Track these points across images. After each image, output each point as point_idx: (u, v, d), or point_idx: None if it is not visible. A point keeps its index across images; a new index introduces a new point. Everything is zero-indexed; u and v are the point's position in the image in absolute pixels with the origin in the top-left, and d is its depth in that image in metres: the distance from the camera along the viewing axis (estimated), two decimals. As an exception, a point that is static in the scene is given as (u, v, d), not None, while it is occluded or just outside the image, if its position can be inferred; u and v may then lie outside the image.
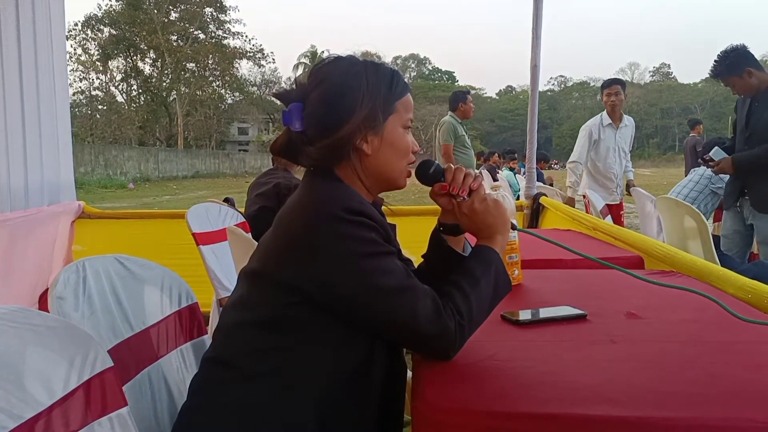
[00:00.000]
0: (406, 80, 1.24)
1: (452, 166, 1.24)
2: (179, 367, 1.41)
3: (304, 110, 1.17)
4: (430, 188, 1.27)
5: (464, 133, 6.04)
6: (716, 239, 3.64)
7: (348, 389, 1.10)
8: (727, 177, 3.89)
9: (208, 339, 1.50)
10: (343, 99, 1.15)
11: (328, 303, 1.08)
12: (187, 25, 46.76)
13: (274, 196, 3.68)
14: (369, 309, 1.07)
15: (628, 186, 5.49)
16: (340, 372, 1.10)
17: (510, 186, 8.65)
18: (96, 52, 44.89)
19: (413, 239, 1.91)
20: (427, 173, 1.26)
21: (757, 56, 3.64)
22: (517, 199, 5.46)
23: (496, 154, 14.16)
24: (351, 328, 1.10)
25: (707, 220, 3.68)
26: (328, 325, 1.09)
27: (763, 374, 1.02)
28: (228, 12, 48.24)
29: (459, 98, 6.07)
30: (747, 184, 3.57)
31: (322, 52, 62.40)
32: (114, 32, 44.77)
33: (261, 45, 67.91)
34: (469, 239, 1.31)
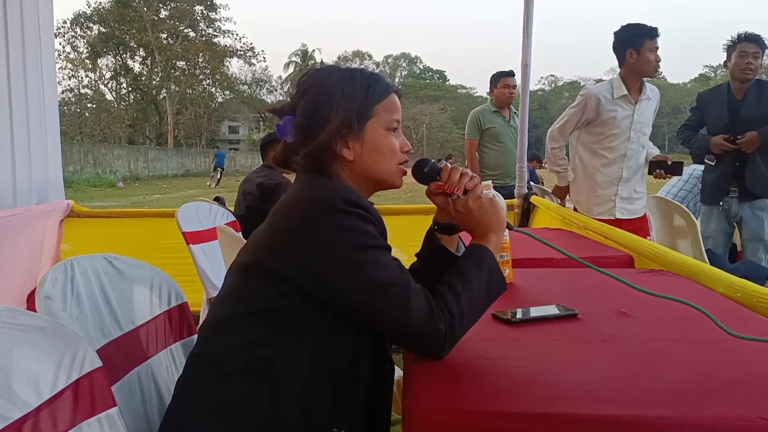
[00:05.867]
0: (394, 81, 1.26)
1: (448, 165, 1.25)
2: (169, 367, 1.40)
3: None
4: (426, 187, 1.28)
5: (497, 123, 5.06)
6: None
7: (334, 385, 1.11)
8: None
9: (198, 338, 1.49)
10: (320, 108, 1.18)
11: (320, 293, 1.08)
12: (177, 23, 46.52)
13: (259, 196, 3.70)
14: (362, 301, 1.07)
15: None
16: (326, 367, 1.11)
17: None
18: (85, 50, 44.60)
19: (405, 238, 1.91)
20: (423, 172, 1.27)
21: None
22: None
23: None
24: (339, 323, 1.10)
25: (696, 219, 3.70)
26: (316, 319, 1.10)
27: (753, 372, 1.02)
28: (218, 10, 48.10)
29: (492, 80, 5.10)
30: (739, 175, 3.59)
31: (313, 50, 62.48)
32: (103, 30, 44.47)
33: (251, 43, 68.18)
34: (464, 238, 1.31)
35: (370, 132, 1.20)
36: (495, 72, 5.15)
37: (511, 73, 5.09)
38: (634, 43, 3.25)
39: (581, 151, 3.47)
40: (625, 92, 3.31)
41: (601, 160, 3.39)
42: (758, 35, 3.59)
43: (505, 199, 4.00)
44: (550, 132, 3.52)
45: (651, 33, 3.27)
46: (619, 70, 3.39)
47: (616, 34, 3.37)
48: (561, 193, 3.74)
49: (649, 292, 1.27)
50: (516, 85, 5.05)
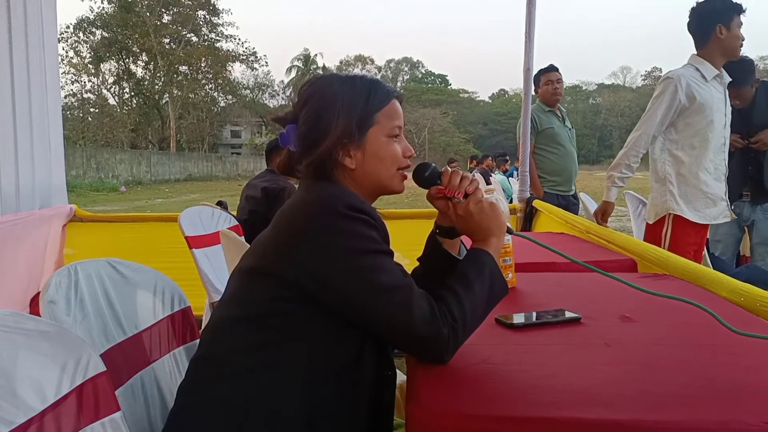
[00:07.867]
0: (396, 86, 1.26)
1: (449, 168, 1.26)
2: (172, 371, 1.40)
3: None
4: (427, 191, 1.29)
5: (554, 123, 4.57)
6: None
7: (336, 389, 1.11)
8: None
9: (201, 343, 1.49)
10: (321, 118, 1.19)
11: (323, 297, 1.09)
12: (180, 28, 46.60)
13: (263, 201, 3.70)
14: (364, 306, 1.08)
15: None
16: (328, 371, 1.11)
17: (503, 190, 8.67)
18: (88, 55, 44.66)
19: (407, 242, 1.91)
20: (423, 176, 1.27)
21: (753, 57, 3.65)
22: (510, 202, 5.45)
23: (490, 158, 14.21)
24: (341, 327, 1.11)
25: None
26: (318, 323, 1.10)
27: (756, 377, 1.02)
28: (221, 15, 48.17)
29: (534, 81, 4.62)
30: (753, 178, 3.54)
31: (315, 55, 62.60)
32: (106, 35, 44.55)
33: (254, 48, 68.30)
34: (465, 242, 1.32)
35: (372, 140, 1.21)
36: (536, 72, 4.64)
37: (552, 68, 4.66)
38: (724, 18, 2.87)
39: (675, 151, 2.96)
40: (718, 71, 2.91)
41: (705, 155, 2.92)
42: None
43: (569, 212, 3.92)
44: (636, 137, 2.98)
45: (739, 8, 2.88)
46: (695, 51, 3.00)
47: (699, 9, 2.96)
48: (607, 211, 3.12)
49: (653, 292, 1.27)
50: (561, 79, 4.64)
